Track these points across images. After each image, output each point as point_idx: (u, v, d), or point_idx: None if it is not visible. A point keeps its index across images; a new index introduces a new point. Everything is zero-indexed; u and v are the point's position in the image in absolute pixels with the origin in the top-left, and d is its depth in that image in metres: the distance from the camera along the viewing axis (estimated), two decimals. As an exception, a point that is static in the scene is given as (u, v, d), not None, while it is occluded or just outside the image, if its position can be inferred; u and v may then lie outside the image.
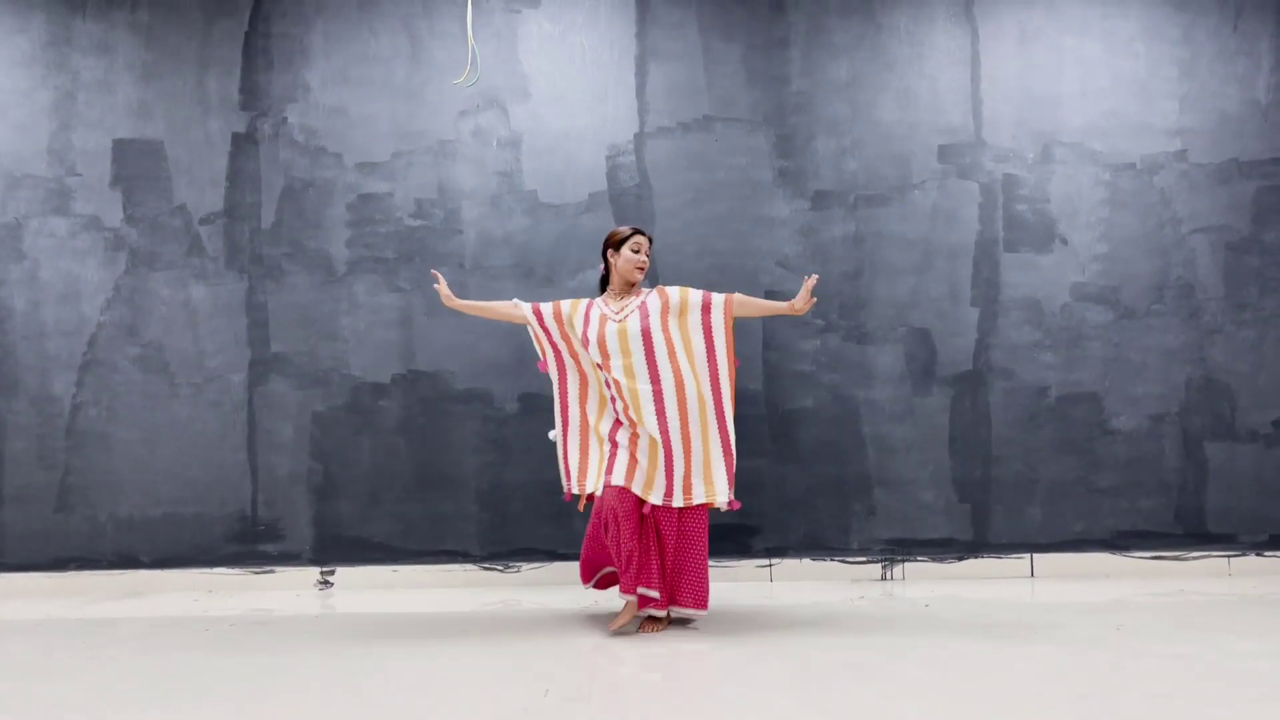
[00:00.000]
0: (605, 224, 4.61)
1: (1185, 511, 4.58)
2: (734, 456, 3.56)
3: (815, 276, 3.53)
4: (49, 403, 4.61)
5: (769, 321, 4.59)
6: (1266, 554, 4.55)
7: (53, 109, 4.66)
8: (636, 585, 3.49)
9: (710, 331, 3.55)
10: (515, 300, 3.76)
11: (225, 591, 4.51)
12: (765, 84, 4.65)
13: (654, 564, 3.50)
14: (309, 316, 4.63)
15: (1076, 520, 4.58)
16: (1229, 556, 4.55)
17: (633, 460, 3.49)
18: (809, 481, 4.58)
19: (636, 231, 3.64)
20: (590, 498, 3.61)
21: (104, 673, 3.17)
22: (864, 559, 4.58)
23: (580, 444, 3.65)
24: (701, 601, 3.56)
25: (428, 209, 4.64)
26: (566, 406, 3.70)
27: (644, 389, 3.47)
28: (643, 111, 4.66)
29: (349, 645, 3.48)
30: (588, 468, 3.60)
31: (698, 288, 4.55)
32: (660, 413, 3.46)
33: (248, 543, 4.59)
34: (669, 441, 3.46)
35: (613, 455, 3.54)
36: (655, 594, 3.50)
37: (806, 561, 4.57)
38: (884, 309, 4.61)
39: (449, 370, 4.60)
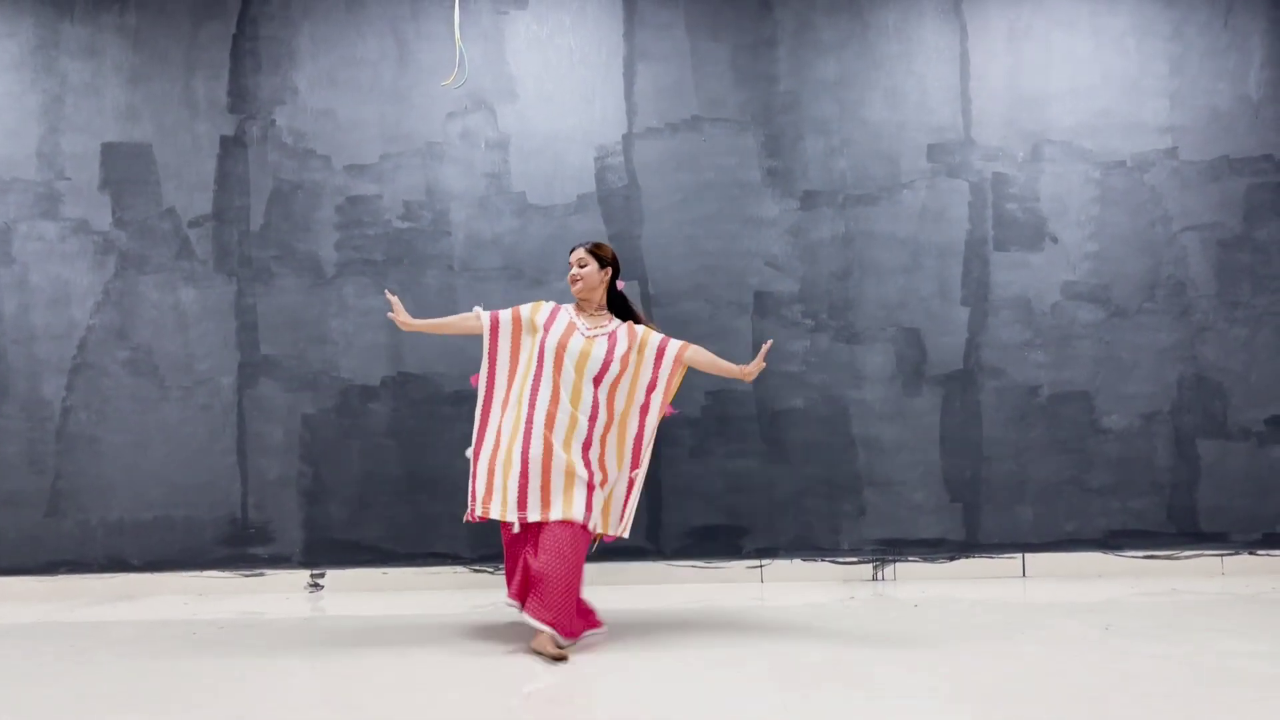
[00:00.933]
0: (594, 225, 4.60)
1: (1177, 510, 4.56)
2: (634, 496, 3.57)
3: (770, 342, 3.49)
4: (39, 406, 4.61)
5: (759, 321, 4.58)
6: (1259, 553, 4.53)
7: (41, 112, 4.66)
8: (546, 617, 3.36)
9: (656, 375, 3.54)
10: (476, 310, 3.62)
11: (216, 595, 4.51)
12: (753, 84, 4.64)
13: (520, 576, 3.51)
14: (298, 319, 4.63)
15: (1068, 520, 4.56)
16: (1222, 555, 4.53)
17: (541, 487, 3.39)
18: (799, 482, 4.57)
19: (576, 248, 3.62)
20: (483, 519, 3.48)
21: (93, 677, 3.16)
22: (855, 559, 4.57)
23: (489, 467, 3.44)
24: (554, 622, 3.31)
25: (416, 211, 4.64)
26: (486, 425, 3.53)
27: (581, 419, 3.42)
28: (631, 112, 4.65)
29: (338, 648, 3.47)
30: (492, 493, 3.41)
31: (687, 290, 4.56)
32: (587, 444, 3.44)
33: (238, 546, 4.59)
34: (590, 475, 3.42)
35: (523, 486, 3.38)
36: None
37: (797, 562, 4.55)
38: (874, 309, 4.60)
39: (438, 372, 4.60)
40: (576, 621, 3.38)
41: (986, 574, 4.52)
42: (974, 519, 4.57)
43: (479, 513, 3.45)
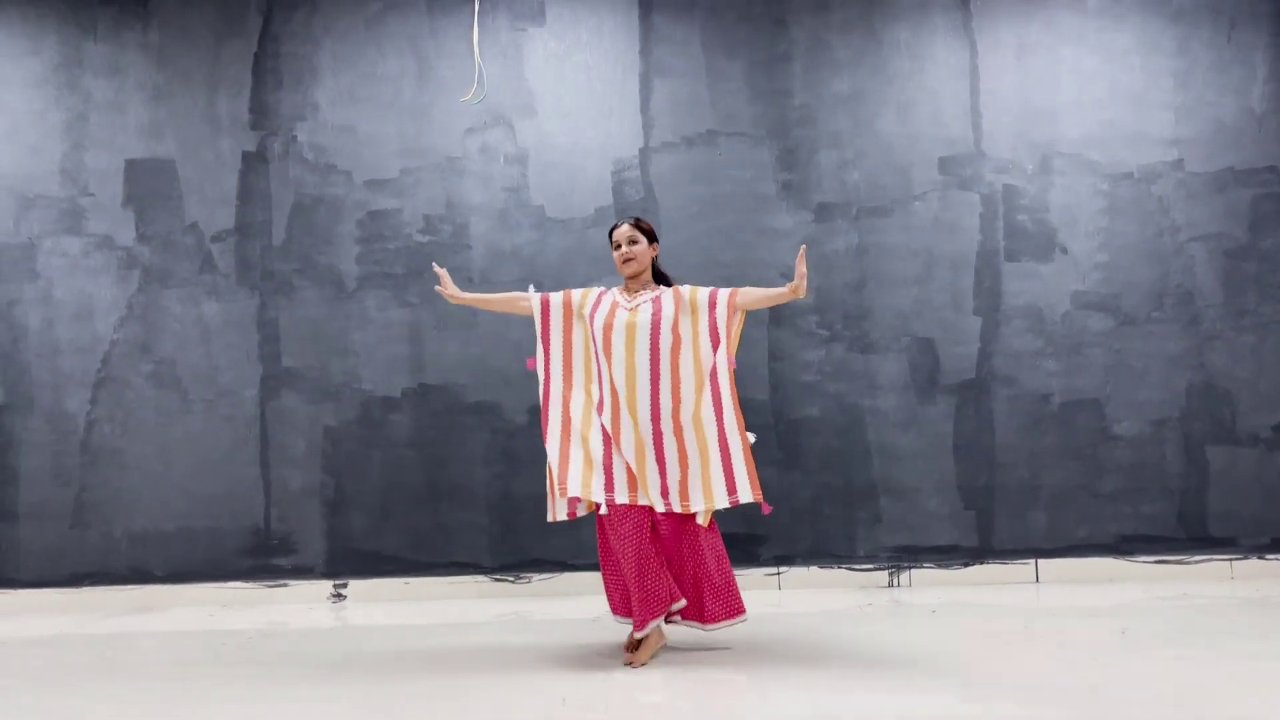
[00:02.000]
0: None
1: (1188, 516, 4.64)
2: (738, 457, 3.31)
3: (804, 247, 3.24)
4: (63, 420, 4.66)
5: (774, 332, 4.65)
6: (1268, 557, 4.61)
7: (65, 130, 4.72)
8: (647, 618, 3.28)
9: (714, 330, 3.35)
10: (530, 288, 3.54)
11: (239, 605, 4.55)
12: (768, 99, 4.72)
13: (664, 583, 3.32)
14: (320, 332, 4.68)
15: (1080, 525, 4.63)
16: (1231, 560, 4.60)
17: (625, 467, 3.30)
18: (815, 490, 4.64)
19: (618, 225, 3.46)
20: (574, 503, 3.41)
21: (120, 689, 3.21)
22: (871, 566, 4.63)
23: (561, 449, 3.32)
24: (733, 609, 3.40)
25: (436, 225, 4.70)
26: (548, 407, 3.40)
27: (642, 389, 3.29)
28: (647, 127, 4.73)
29: (361, 658, 3.52)
30: (568, 472, 3.27)
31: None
32: (655, 416, 3.29)
33: (261, 557, 4.64)
34: (661, 445, 3.30)
35: (607, 466, 3.28)
36: (680, 603, 3.39)
37: (814, 569, 4.62)
38: (887, 319, 4.68)
39: (459, 383, 4.66)
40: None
41: (1000, 580, 4.59)
42: (987, 525, 4.64)
43: (571, 492, 3.24)
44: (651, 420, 3.30)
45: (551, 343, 3.47)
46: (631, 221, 3.46)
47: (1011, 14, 4.74)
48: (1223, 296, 4.68)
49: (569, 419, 3.36)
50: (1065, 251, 4.69)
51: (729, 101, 4.73)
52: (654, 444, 3.31)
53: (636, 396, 3.30)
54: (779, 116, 4.72)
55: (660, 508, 3.31)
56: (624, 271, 3.42)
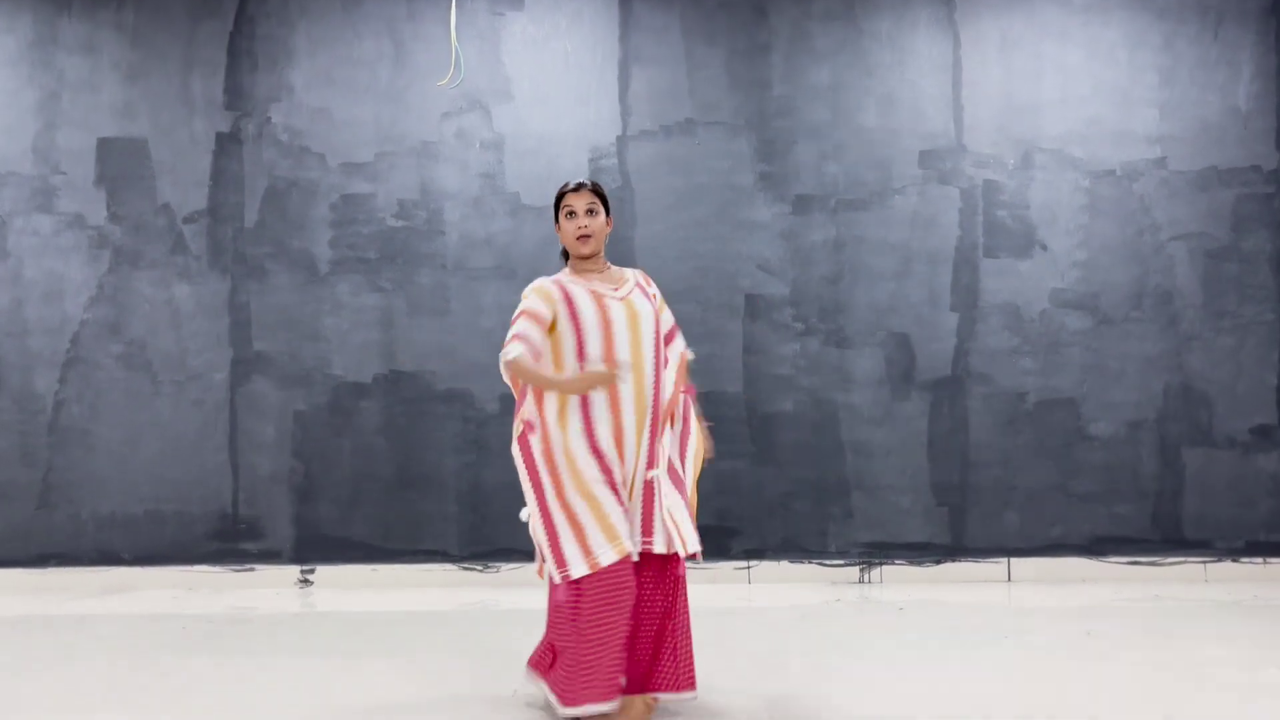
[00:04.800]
0: (587, 226, 4.63)
1: (1162, 517, 4.60)
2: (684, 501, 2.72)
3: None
4: (31, 400, 4.62)
5: (749, 325, 4.61)
6: (1242, 560, 4.57)
7: (38, 108, 4.67)
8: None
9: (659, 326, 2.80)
10: (508, 356, 2.60)
11: (205, 589, 4.53)
12: (747, 88, 4.67)
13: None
14: (291, 316, 4.65)
15: (1053, 525, 4.60)
16: (1205, 562, 4.57)
17: (624, 509, 2.61)
18: (787, 484, 4.60)
19: (573, 189, 2.75)
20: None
21: (84, 672, 3.19)
22: (842, 562, 4.60)
23: (566, 514, 2.59)
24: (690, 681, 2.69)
25: (410, 210, 4.66)
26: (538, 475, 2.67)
27: (647, 385, 2.67)
28: (625, 115, 4.68)
29: (325, 644, 3.50)
30: (586, 536, 2.56)
31: (679, 292, 4.55)
32: (656, 417, 2.70)
33: (228, 541, 4.61)
34: (654, 456, 2.68)
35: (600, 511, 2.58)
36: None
37: (784, 564, 4.59)
38: (864, 313, 4.63)
39: (430, 370, 4.62)
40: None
41: (972, 578, 4.55)
42: (960, 523, 4.60)
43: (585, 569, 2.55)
44: (653, 431, 2.69)
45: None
46: (589, 185, 2.76)
47: (995, 7, 4.69)
48: (1202, 297, 4.63)
49: (559, 481, 2.62)
50: (1045, 249, 4.64)
51: (708, 90, 4.68)
52: (663, 469, 2.69)
53: (644, 408, 2.67)
54: (758, 107, 4.67)
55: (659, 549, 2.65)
56: (579, 250, 2.72)
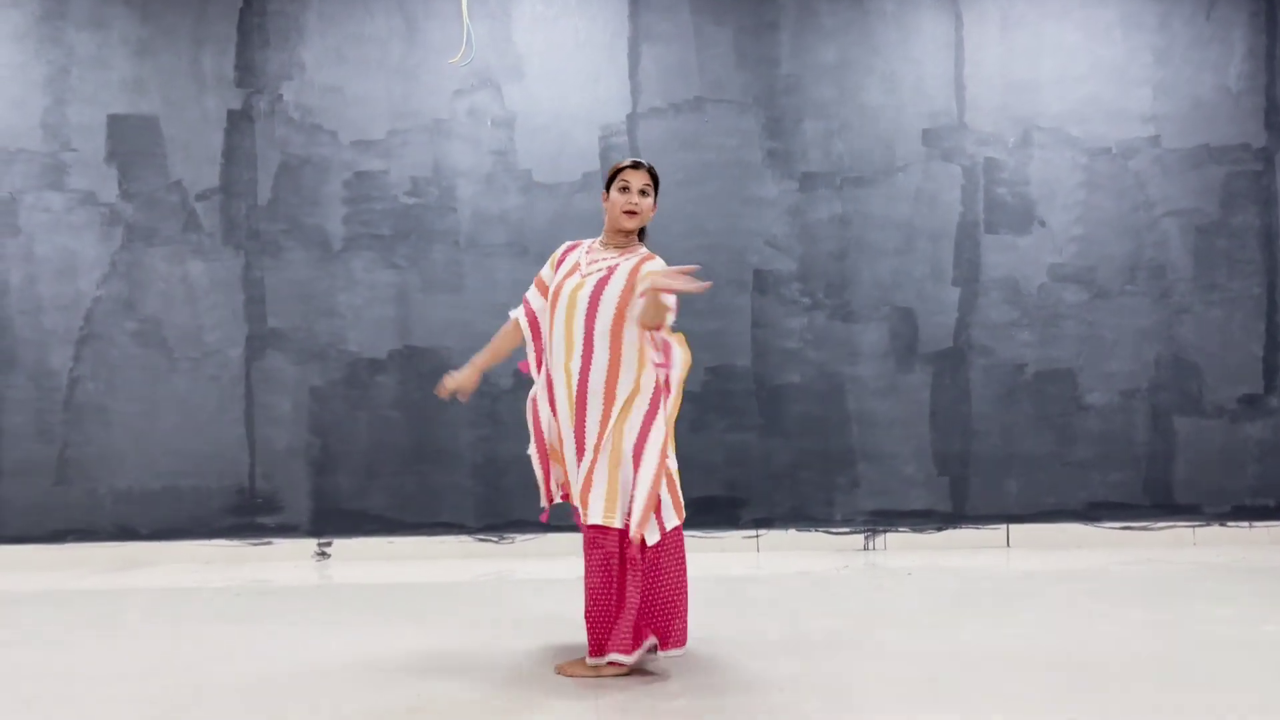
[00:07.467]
0: (598, 203, 4.69)
1: (1153, 484, 4.78)
2: (654, 489, 2.72)
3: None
4: (46, 377, 4.64)
5: (757, 300, 4.72)
6: (1229, 524, 4.77)
7: (47, 84, 4.66)
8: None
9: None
10: (511, 315, 3.08)
11: (223, 563, 4.59)
12: (755, 66, 4.75)
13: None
14: (306, 292, 4.69)
15: (1051, 492, 4.76)
16: (1194, 527, 4.76)
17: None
18: (795, 455, 4.73)
19: (631, 166, 2.88)
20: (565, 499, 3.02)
21: (122, 640, 3.26)
22: (847, 530, 4.74)
23: (540, 458, 3.01)
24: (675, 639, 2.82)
25: (423, 187, 4.71)
26: (538, 414, 2.99)
27: (574, 367, 2.80)
28: (635, 92, 4.74)
29: (345, 615, 3.58)
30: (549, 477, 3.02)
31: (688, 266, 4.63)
32: (582, 403, 2.79)
33: (245, 515, 4.67)
34: (582, 439, 2.80)
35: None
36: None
37: (792, 532, 4.72)
38: (869, 288, 4.75)
39: (444, 346, 4.69)
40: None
41: (972, 544, 4.72)
42: (961, 491, 4.76)
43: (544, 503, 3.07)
44: (576, 409, 2.83)
45: (543, 343, 2.99)
46: (647, 166, 2.90)
47: (997, -13, 4.79)
48: (1193, 271, 4.79)
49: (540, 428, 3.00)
50: (1043, 224, 4.78)
51: (716, 68, 4.75)
52: (575, 440, 2.85)
53: (570, 380, 2.85)
54: (766, 85, 4.75)
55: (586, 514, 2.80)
56: (624, 224, 2.86)
